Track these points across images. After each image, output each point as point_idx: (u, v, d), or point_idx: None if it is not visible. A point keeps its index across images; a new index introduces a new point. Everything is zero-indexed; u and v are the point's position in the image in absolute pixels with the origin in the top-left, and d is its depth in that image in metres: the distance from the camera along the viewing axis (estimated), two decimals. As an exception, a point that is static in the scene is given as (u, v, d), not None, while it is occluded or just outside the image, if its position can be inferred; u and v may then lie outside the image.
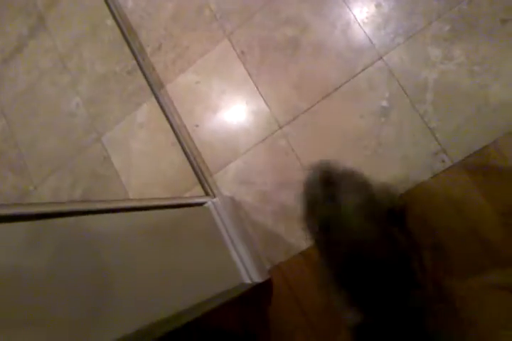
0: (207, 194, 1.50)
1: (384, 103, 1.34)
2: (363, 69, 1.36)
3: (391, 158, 1.31)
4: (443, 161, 1.25)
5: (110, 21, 1.80)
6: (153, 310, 0.92)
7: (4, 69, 2.07)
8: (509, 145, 1.20)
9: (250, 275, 1.34)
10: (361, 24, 1.38)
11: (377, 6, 1.36)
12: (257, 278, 1.35)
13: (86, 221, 0.94)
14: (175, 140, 1.59)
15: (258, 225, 1.46)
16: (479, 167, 1.23)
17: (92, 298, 0.81)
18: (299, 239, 1.40)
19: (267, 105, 1.51)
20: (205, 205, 1.43)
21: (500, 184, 1.20)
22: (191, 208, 1.40)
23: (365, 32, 1.37)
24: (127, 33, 1.73)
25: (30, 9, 2.02)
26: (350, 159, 1.36)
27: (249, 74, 1.55)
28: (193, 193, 1.59)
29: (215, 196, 1.48)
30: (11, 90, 2.04)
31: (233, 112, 1.57)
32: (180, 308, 0.99)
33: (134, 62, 1.71)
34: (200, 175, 1.53)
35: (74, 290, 0.79)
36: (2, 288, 0.67)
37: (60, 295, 0.76)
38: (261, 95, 1.52)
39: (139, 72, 1.70)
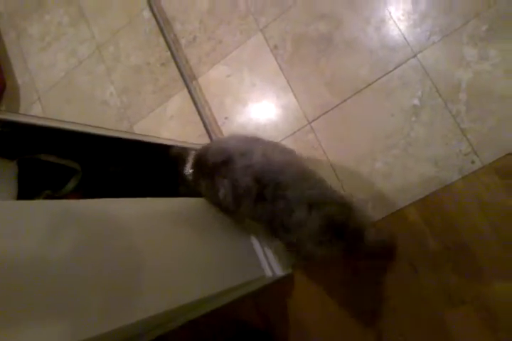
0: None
1: (416, 101, 1.32)
2: (396, 67, 1.35)
3: (420, 158, 1.30)
4: (473, 162, 1.23)
5: (147, 13, 1.83)
6: (178, 295, 0.94)
7: (43, 57, 2.12)
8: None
9: (272, 268, 1.34)
10: (396, 21, 1.36)
11: (414, 3, 1.34)
12: (279, 272, 1.35)
13: (113, 204, 0.96)
14: (204, 131, 1.61)
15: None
16: (510, 170, 1.20)
17: (115, 279, 0.83)
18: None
19: (297, 100, 1.51)
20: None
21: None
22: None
23: (399, 29, 1.36)
24: (163, 25, 1.76)
25: (70, -1, 2.07)
26: (378, 157, 1.35)
27: (281, 68, 1.55)
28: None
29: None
30: (48, 77, 2.09)
31: (263, 106, 1.58)
32: (202, 295, 1.00)
33: (168, 53, 1.74)
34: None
35: (103, 273, 0.81)
36: (31, 272, 0.69)
37: (88, 277, 0.77)
38: (291, 89, 1.52)
39: (173, 64, 1.72)
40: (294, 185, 1.04)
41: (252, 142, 1.20)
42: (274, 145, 1.26)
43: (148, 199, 1.07)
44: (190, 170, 1.26)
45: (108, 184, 1.28)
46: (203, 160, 1.19)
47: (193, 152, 1.27)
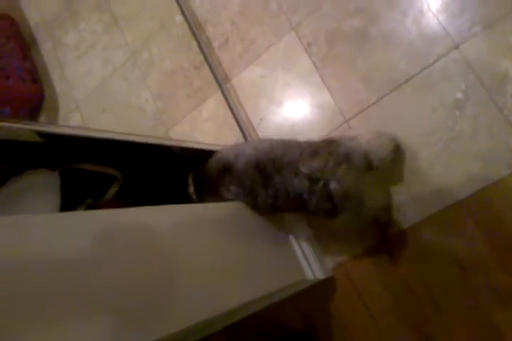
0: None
1: (459, 95, 1.27)
2: (437, 60, 1.30)
3: (466, 153, 1.24)
4: (523, 157, 1.17)
5: (179, 17, 1.83)
6: (216, 303, 0.93)
7: (79, 65, 2.17)
8: None
9: (313, 271, 1.32)
10: (435, 12, 1.31)
11: (454, -7, 1.29)
12: (320, 275, 1.34)
13: (152, 212, 0.96)
14: (240, 134, 1.59)
15: (323, 221, 1.44)
16: None
17: (155, 288, 0.83)
18: (365, 236, 1.37)
19: (333, 98, 1.47)
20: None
21: None
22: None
23: (439, 21, 1.30)
24: (195, 29, 1.76)
25: (103, 7, 2.10)
26: (420, 155, 1.31)
27: (315, 66, 1.52)
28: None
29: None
30: (85, 85, 2.13)
31: (298, 105, 1.55)
32: (241, 302, 0.99)
33: (201, 57, 1.73)
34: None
35: (137, 281, 0.81)
36: (75, 283, 0.70)
37: (122, 285, 0.77)
38: (327, 88, 1.49)
39: (206, 67, 1.72)
40: (284, 154, 1.12)
41: (241, 144, 1.31)
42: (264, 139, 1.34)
43: (186, 205, 1.07)
44: (192, 190, 1.32)
45: (147, 190, 1.29)
46: (205, 176, 1.27)
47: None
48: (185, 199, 1.27)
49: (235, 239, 1.14)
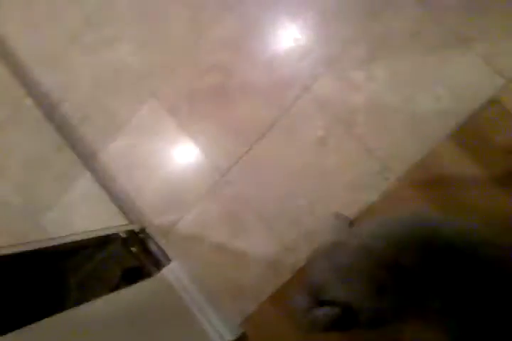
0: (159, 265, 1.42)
1: (320, 132, 1.32)
2: (292, 104, 1.35)
3: (338, 184, 1.29)
4: (387, 179, 1.24)
5: (29, 101, 1.73)
6: None
7: None
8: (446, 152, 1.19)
9: (222, 335, 1.26)
10: (282, 60, 1.38)
11: (295, 40, 1.36)
12: (229, 337, 1.29)
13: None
14: (117, 209, 1.51)
15: (219, 279, 1.40)
16: (423, 180, 1.21)
17: None
18: (263, 283, 1.35)
19: (205, 155, 1.47)
20: (162, 273, 1.36)
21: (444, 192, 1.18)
22: (147, 282, 1.33)
23: (287, 67, 1.37)
24: (50, 110, 1.68)
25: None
26: (299, 193, 1.33)
27: (182, 127, 1.51)
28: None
29: (169, 259, 1.40)
30: None
31: (172, 168, 1.52)
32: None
33: (61, 138, 1.65)
34: (151, 241, 1.46)
35: None
36: None
37: None
38: (197, 146, 1.48)
39: (68, 148, 1.63)
40: None
41: None
42: None
43: (67, 311, 0.97)
44: None
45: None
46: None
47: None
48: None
49: (131, 325, 1.04)
